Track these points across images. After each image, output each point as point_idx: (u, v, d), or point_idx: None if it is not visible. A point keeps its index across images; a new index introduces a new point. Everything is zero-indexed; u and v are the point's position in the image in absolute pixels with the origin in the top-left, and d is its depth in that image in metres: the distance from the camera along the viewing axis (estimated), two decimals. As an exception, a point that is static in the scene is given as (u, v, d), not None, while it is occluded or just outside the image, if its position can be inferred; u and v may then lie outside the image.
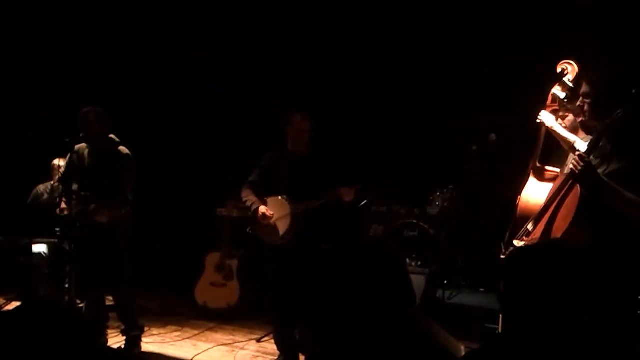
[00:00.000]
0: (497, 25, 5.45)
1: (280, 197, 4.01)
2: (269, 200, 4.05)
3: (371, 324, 1.65)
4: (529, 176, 3.51)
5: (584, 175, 2.78)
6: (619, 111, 2.78)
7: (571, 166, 2.89)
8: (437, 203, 5.48)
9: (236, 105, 6.58)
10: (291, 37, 6.18)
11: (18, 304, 5.36)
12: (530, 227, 3.09)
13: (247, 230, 4.19)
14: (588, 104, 2.95)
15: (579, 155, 2.81)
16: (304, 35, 6.17)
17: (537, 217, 3.06)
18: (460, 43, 5.58)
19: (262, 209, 4.00)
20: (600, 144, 2.85)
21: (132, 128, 4.57)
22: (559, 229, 2.90)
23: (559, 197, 2.98)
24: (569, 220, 2.84)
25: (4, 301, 5.40)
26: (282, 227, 3.98)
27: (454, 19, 5.64)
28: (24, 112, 6.45)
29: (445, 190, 5.48)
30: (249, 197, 4.08)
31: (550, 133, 3.43)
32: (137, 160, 4.28)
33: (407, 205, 5.59)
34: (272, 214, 3.98)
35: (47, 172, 5.64)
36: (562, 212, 2.94)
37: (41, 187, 5.84)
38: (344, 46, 6.11)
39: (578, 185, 2.85)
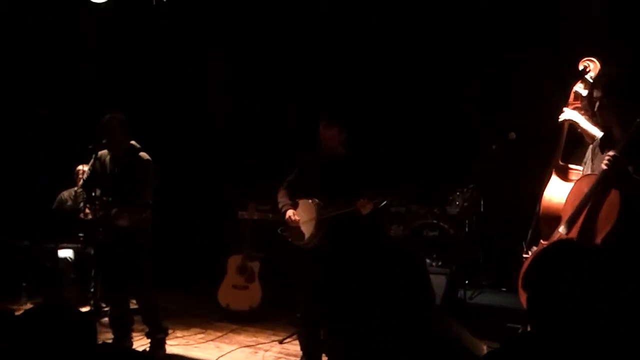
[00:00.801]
0: (518, 23, 5.43)
1: (309, 201, 4.01)
2: (300, 202, 4.07)
3: (390, 325, 1.66)
4: (551, 175, 3.48)
5: (618, 175, 2.76)
6: None
7: (604, 166, 2.86)
8: (457, 203, 5.44)
9: (255, 108, 6.63)
10: (303, 38, 6.22)
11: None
12: (562, 229, 3.00)
13: (278, 230, 4.21)
14: (600, 105, 2.95)
15: (613, 157, 2.78)
16: (315, 36, 6.20)
17: (570, 220, 2.95)
18: (480, 42, 5.56)
19: (290, 212, 4.03)
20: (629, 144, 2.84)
21: (150, 132, 4.62)
22: (600, 231, 2.83)
23: (593, 198, 2.93)
24: (612, 223, 2.78)
25: (32, 306, 5.51)
26: (307, 231, 4.00)
27: (471, 18, 5.64)
28: (41, 115, 6.53)
29: (465, 189, 5.44)
30: (281, 199, 4.12)
31: (573, 131, 3.40)
32: (157, 164, 4.34)
33: (426, 205, 5.57)
34: (298, 219, 4.01)
35: (71, 177, 5.73)
36: (602, 215, 2.85)
37: (65, 193, 5.92)
38: (357, 47, 6.13)
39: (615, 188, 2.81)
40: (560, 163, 3.45)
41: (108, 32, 6.54)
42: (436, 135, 5.91)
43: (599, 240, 2.80)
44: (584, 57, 3.45)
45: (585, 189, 2.93)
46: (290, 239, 4.09)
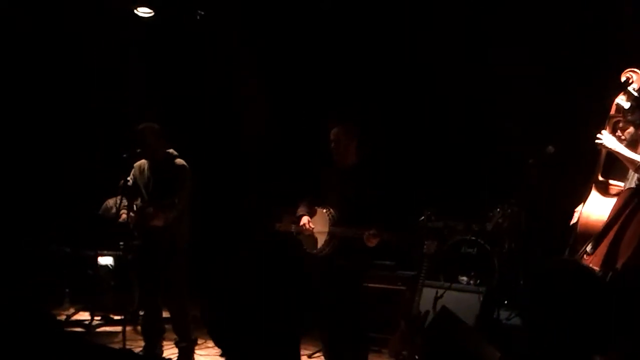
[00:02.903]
0: (559, 38, 5.28)
1: (325, 211, 3.99)
2: (318, 211, 4.05)
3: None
4: (590, 190, 3.33)
5: None
6: None
7: (636, 181, 2.72)
8: (497, 219, 5.27)
9: (292, 119, 6.67)
10: (337, 53, 6.23)
11: (86, 314, 5.52)
12: (589, 248, 2.89)
13: (294, 233, 4.18)
14: None
15: None
16: (349, 50, 6.20)
17: (598, 238, 2.85)
18: (520, 55, 5.44)
19: (305, 219, 4.02)
20: None
21: (185, 144, 4.70)
22: (622, 255, 2.70)
23: (622, 218, 2.78)
24: (633, 246, 2.65)
25: (73, 310, 5.65)
26: (320, 241, 3.98)
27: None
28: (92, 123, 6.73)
29: (505, 205, 5.25)
30: (301, 206, 4.13)
31: None
32: (193, 174, 4.39)
33: (465, 220, 5.42)
34: (312, 227, 3.98)
35: (116, 186, 5.83)
36: (627, 236, 2.73)
37: (110, 201, 6.03)
38: (394, 58, 6.09)
39: None
40: (600, 178, 3.31)
41: (154, 44, 6.74)
42: (477, 149, 5.79)
43: (621, 263, 2.64)
44: (627, 69, 3.31)
45: (618, 204, 2.79)
46: (303, 244, 4.07)
